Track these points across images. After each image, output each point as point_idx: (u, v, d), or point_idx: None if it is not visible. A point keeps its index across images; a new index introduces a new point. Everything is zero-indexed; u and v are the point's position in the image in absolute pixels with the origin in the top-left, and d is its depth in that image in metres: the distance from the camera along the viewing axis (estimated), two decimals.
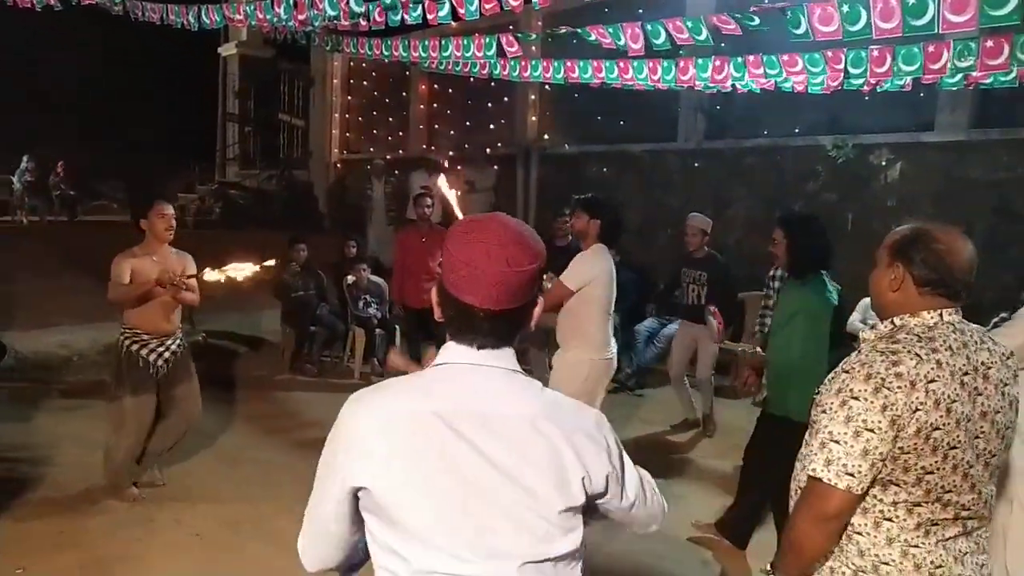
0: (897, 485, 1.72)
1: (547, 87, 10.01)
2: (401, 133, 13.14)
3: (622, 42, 4.68)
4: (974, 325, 1.83)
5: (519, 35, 5.66)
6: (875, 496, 1.73)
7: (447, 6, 4.76)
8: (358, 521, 1.41)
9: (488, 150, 10.92)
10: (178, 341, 4.49)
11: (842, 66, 4.58)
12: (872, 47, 4.26)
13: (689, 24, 4.36)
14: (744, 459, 4.10)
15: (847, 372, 1.74)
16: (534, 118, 10.68)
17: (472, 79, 9.85)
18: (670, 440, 5.89)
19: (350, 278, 7.40)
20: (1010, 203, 6.23)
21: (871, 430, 1.66)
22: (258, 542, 3.96)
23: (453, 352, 1.39)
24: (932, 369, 1.68)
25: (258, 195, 15.06)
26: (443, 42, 5.96)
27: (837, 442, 1.69)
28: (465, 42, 5.67)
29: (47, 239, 11.74)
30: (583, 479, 1.34)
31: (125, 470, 4.37)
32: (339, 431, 1.38)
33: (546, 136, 10.56)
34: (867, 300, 6.21)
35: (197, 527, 4.09)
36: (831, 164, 7.22)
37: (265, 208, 14.48)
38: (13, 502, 4.30)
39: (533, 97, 10.61)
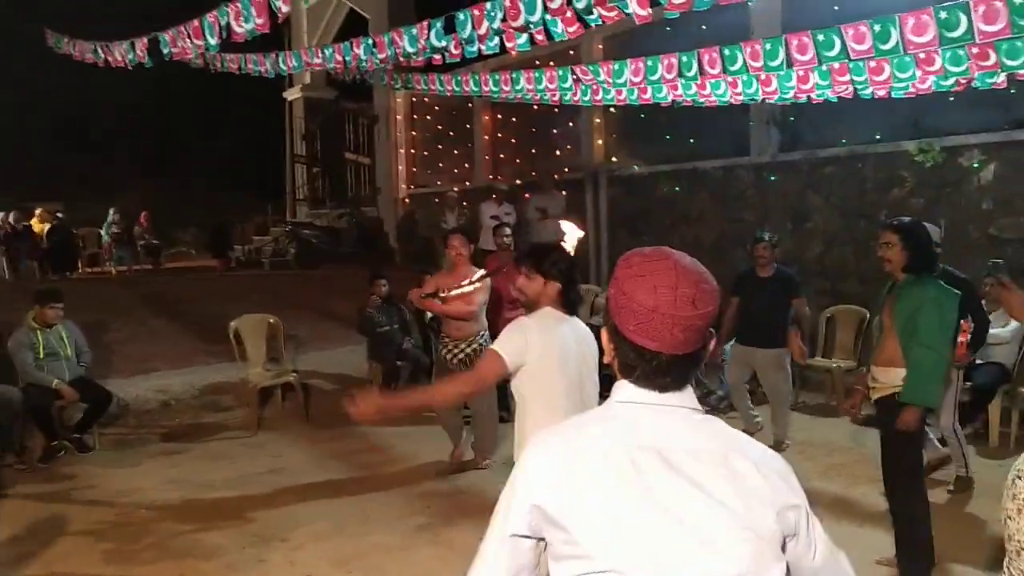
0: None
1: (612, 109, 9.99)
2: (467, 164, 13.28)
3: (691, 73, 4.66)
4: None
5: (590, 67, 5.69)
6: None
7: (525, 36, 4.80)
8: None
9: (556, 176, 10.93)
10: (474, 345, 5.43)
11: (936, 67, 4.44)
12: (971, 46, 4.12)
13: (767, 47, 4.31)
14: (886, 478, 3.88)
15: None
16: (600, 141, 10.67)
17: (536, 107, 9.95)
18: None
19: (429, 314, 7.45)
20: None
21: None
22: None
23: (631, 393, 1.34)
24: None
25: (330, 233, 15.39)
26: (514, 75, 6.02)
27: None
28: (537, 75, 5.71)
29: (135, 288, 12.21)
30: (778, 513, 1.28)
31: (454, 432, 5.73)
32: (523, 469, 1.33)
33: (614, 158, 10.52)
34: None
35: (308, 567, 4.13)
36: (917, 169, 6.98)
37: (337, 246, 14.79)
38: (129, 547, 4.43)
39: (598, 120, 10.60)
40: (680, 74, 4.99)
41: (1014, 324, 5.80)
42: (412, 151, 14.76)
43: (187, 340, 8.74)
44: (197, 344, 8.53)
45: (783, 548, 1.31)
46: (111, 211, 14.79)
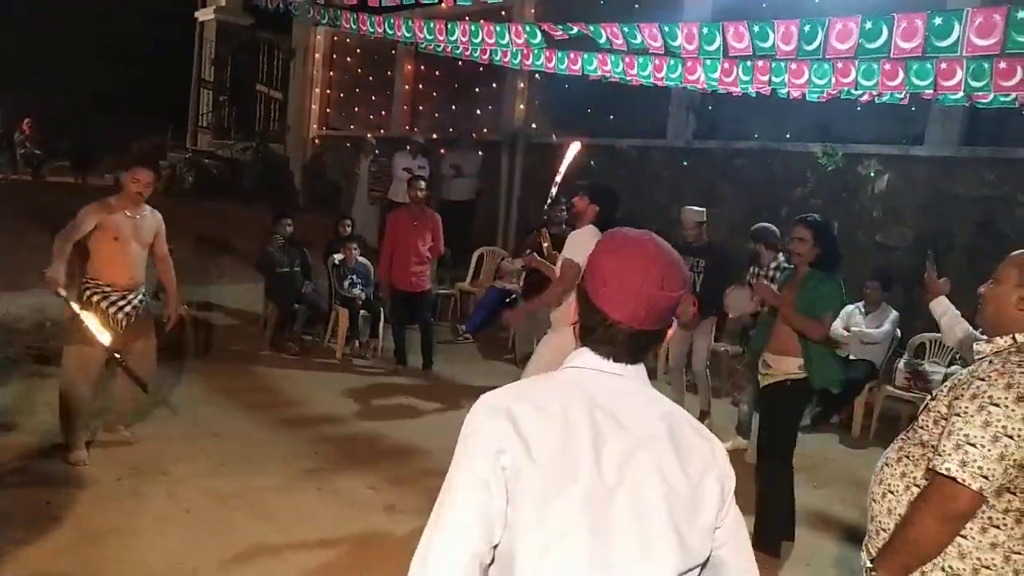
0: (1013, 493, 1.80)
1: (536, 76, 9.98)
2: (384, 112, 13.00)
3: (638, 41, 4.70)
4: None
5: (527, 27, 5.64)
6: (987, 502, 1.81)
7: None
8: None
9: (474, 135, 10.86)
10: (140, 297, 4.51)
11: (850, 78, 4.66)
12: (884, 61, 4.34)
13: (705, 30, 4.39)
14: (760, 456, 4.12)
15: (982, 380, 1.82)
16: (522, 106, 10.65)
17: (460, 63, 9.83)
18: None
19: (337, 257, 7.32)
20: (993, 220, 6.40)
21: (1010, 436, 1.75)
22: (248, 517, 3.95)
23: (588, 358, 1.38)
24: None
25: (232, 166, 14.76)
26: (449, 25, 5.91)
27: (973, 444, 1.76)
28: (473, 28, 5.62)
29: (12, 198, 11.39)
30: (720, 480, 1.34)
31: (79, 424, 4.38)
32: (473, 422, 1.31)
33: (533, 125, 10.54)
34: (850, 308, 6.37)
35: (187, 502, 4.03)
36: (820, 171, 7.33)
37: (239, 180, 14.22)
38: None
39: (522, 85, 10.56)
40: (627, 44, 4.97)
41: (886, 327, 6.23)
42: (328, 91, 14.29)
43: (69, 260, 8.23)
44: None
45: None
46: None
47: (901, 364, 6.19)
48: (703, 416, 5.96)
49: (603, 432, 1.28)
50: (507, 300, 7.94)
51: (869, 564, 2.00)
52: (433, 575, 1.22)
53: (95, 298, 4.33)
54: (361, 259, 7.42)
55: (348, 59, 13.93)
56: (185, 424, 5.13)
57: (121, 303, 4.39)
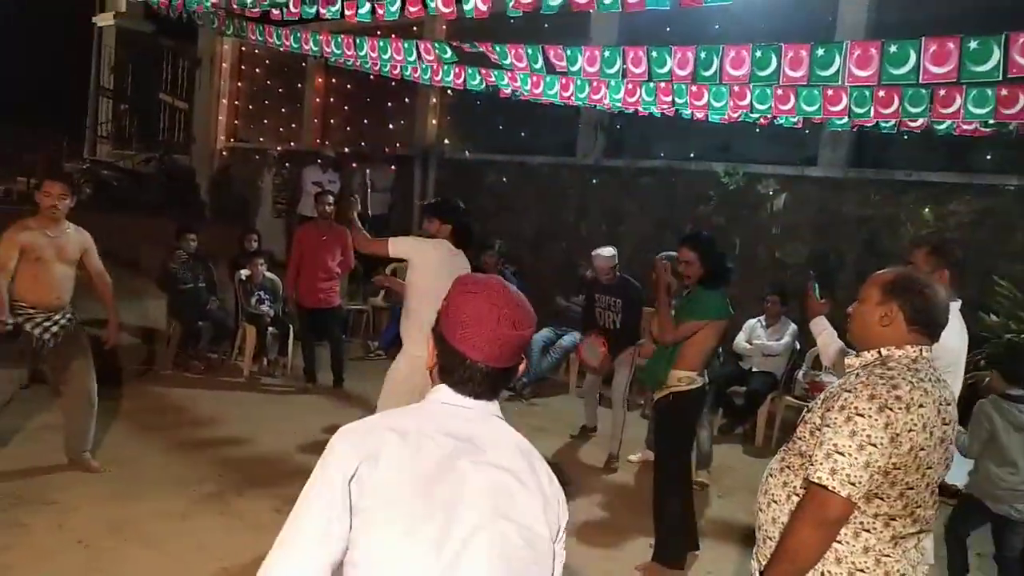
0: (881, 498, 1.91)
1: (449, 92, 10.01)
2: (293, 125, 12.77)
3: (538, 65, 4.80)
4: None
5: (436, 44, 5.66)
6: (858, 508, 1.91)
7: (368, 5, 4.71)
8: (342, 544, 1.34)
9: (386, 149, 10.80)
10: (68, 316, 4.46)
11: (746, 102, 4.87)
12: (777, 87, 4.55)
13: (607, 54, 4.51)
14: (657, 472, 4.18)
15: (849, 391, 1.93)
16: (434, 121, 10.66)
17: (372, 78, 9.77)
18: (574, 450, 6.00)
19: (244, 272, 7.14)
20: (877, 239, 6.78)
21: (874, 444, 1.85)
22: (142, 547, 3.80)
23: (448, 395, 1.46)
24: (921, 395, 1.90)
25: (133, 178, 14.20)
26: (358, 40, 5.87)
27: (842, 454, 1.86)
28: (382, 44, 5.60)
29: None
30: (559, 522, 1.47)
31: None
32: (333, 452, 1.37)
33: (446, 141, 10.56)
34: (751, 322, 6.62)
35: (77, 532, 3.85)
36: (723, 190, 7.60)
37: (141, 192, 13.67)
38: None
39: (434, 100, 10.58)
40: (529, 67, 5.08)
41: (787, 339, 6.51)
42: (236, 103, 13.94)
43: None
44: None
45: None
46: None
47: (800, 375, 6.47)
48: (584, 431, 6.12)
49: (457, 455, 1.37)
50: None
51: (758, 574, 2.09)
52: None
53: (20, 320, 4.26)
54: (269, 274, 7.26)
55: (257, 70, 13.64)
56: None
57: (47, 323, 4.34)
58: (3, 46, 19.37)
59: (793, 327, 6.55)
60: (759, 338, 6.60)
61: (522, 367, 1.52)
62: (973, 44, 3.10)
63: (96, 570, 3.54)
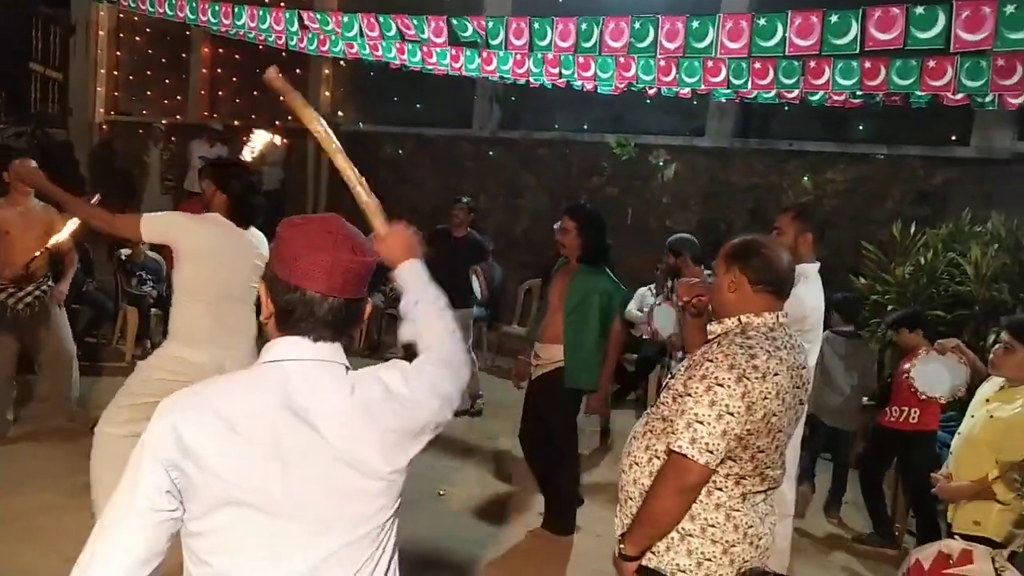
0: (733, 460, 1.99)
1: (342, 63, 9.76)
2: (179, 97, 12.20)
3: (425, 35, 4.73)
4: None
5: (318, 15, 5.49)
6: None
7: None
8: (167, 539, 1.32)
9: (277, 122, 10.44)
10: (43, 287, 4.78)
11: (631, 73, 4.94)
12: (659, 58, 4.63)
13: (490, 24, 4.49)
14: (526, 444, 4.25)
15: (711, 361, 1.99)
16: (327, 93, 10.38)
17: (261, 48, 9.43)
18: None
19: (125, 252, 6.80)
20: (762, 206, 7.04)
21: (731, 413, 1.92)
22: (23, 545, 3.62)
23: (284, 348, 1.36)
24: (776, 364, 1.98)
25: (3, 153, 13.28)
26: (236, 9, 5.64)
27: (701, 423, 1.93)
28: (262, 13, 5.40)
29: None
30: (405, 452, 1.41)
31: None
32: (154, 433, 1.28)
33: (340, 112, 10.31)
34: (643, 290, 6.78)
35: None
36: (615, 161, 7.72)
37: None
38: None
39: (327, 71, 10.29)
40: (409, 39, 5.01)
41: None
42: (116, 73, 13.18)
43: None
44: None
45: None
46: None
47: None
48: (473, 401, 6.10)
49: (287, 435, 1.29)
50: None
51: (619, 535, 2.15)
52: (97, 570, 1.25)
53: None
54: (151, 253, 6.94)
55: (137, 38, 12.92)
56: None
57: (20, 294, 4.67)
58: None
59: (650, 293, 6.73)
60: (649, 306, 6.75)
61: (368, 307, 1.43)
62: (834, 18, 3.23)
63: None
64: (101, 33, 12.97)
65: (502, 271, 7.77)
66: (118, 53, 13.13)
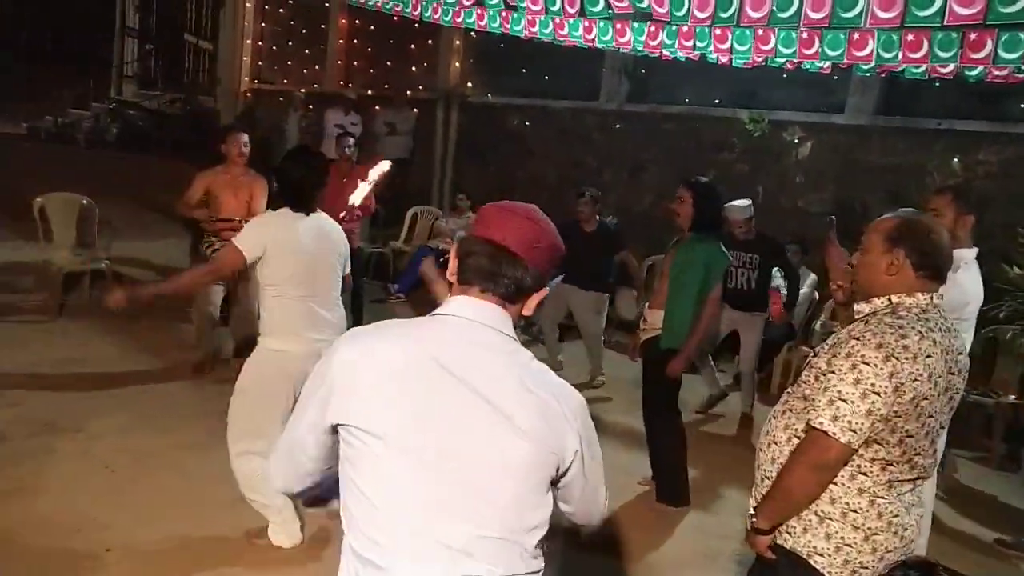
0: (880, 444, 1.92)
1: (472, 34, 9.89)
2: (317, 67, 12.69)
3: (556, 7, 4.72)
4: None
5: None
6: (856, 452, 1.93)
7: None
8: (330, 457, 1.46)
9: (408, 92, 10.72)
10: None
11: (770, 46, 4.77)
12: (802, 30, 4.45)
13: None
14: (645, 410, 4.22)
15: (856, 339, 1.92)
16: (457, 64, 10.54)
17: (395, 19, 9.68)
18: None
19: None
20: (903, 188, 6.65)
21: (877, 393, 1.85)
22: (165, 474, 3.93)
23: (458, 306, 1.43)
24: (929, 345, 1.89)
25: (159, 118, 14.27)
26: None
27: (845, 400, 1.87)
28: None
29: None
30: (558, 453, 1.40)
31: (204, 339, 5.47)
32: (329, 364, 1.41)
33: (469, 84, 10.46)
34: (814, 277, 6.54)
35: (102, 459, 4.00)
36: (746, 137, 7.49)
37: (166, 133, 13.75)
38: None
39: (457, 43, 10.44)
40: (545, 9, 5.01)
41: (804, 289, 6.46)
42: (260, 43, 13.86)
43: None
44: None
45: (557, 474, 1.43)
46: None
47: (818, 325, 6.44)
48: (593, 379, 6.06)
49: (436, 381, 1.35)
50: (440, 260, 7.94)
51: (751, 511, 2.13)
52: (274, 473, 1.55)
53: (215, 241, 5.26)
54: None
55: (280, 10, 13.52)
56: (103, 380, 5.04)
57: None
58: None
59: (812, 277, 6.50)
60: (778, 287, 6.55)
61: (535, 299, 1.47)
62: None
63: (122, 493, 3.68)
64: (248, 5, 13.63)
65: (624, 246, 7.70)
66: (263, 24, 13.79)
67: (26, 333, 5.86)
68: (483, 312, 1.42)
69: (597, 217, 6.07)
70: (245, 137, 5.39)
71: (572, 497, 1.50)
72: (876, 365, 1.86)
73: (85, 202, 6.79)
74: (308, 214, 3.27)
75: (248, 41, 13.77)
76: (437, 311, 1.46)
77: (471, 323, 1.41)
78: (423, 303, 8.01)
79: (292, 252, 3.18)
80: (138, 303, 3.38)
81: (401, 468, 1.34)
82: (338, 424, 1.38)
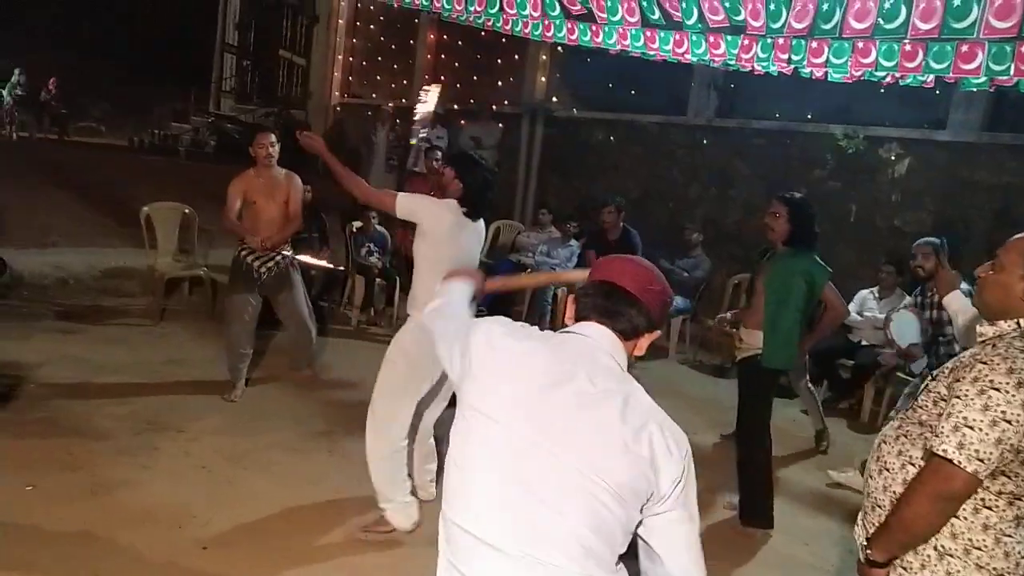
0: (1007, 476, 1.81)
1: (559, 49, 9.92)
2: (405, 81, 12.98)
3: (656, 16, 4.66)
4: None
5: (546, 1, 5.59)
6: (981, 484, 1.81)
7: None
8: None
9: (494, 107, 10.84)
10: (282, 255, 5.18)
11: (870, 59, 4.61)
12: (904, 42, 4.28)
13: (727, 4, 4.35)
14: (739, 430, 4.14)
15: (984, 363, 1.80)
16: (543, 78, 10.59)
17: (483, 33, 9.81)
18: None
19: (356, 224, 7.38)
20: (1012, 208, 6.35)
21: (1009, 421, 1.74)
22: (259, 476, 4.05)
23: (580, 327, 1.59)
24: None
25: (253, 131, 14.81)
26: None
27: (971, 427, 1.76)
28: None
29: (37, 155, 11.51)
30: (655, 472, 1.46)
31: (234, 359, 5.12)
32: (468, 343, 1.61)
33: (554, 99, 10.50)
34: (864, 292, 6.35)
35: (200, 458, 4.15)
36: (840, 153, 7.27)
37: None
38: (16, 418, 4.33)
39: (544, 57, 10.50)
40: (644, 20, 4.94)
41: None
42: (350, 59, 14.28)
43: (91, 219, 8.39)
44: (102, 225, 8.21)
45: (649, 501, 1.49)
46: (16, 71, 13.83)
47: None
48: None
49: (561, 375, 1.49)
50: (520, 272, 7.96)
51: (864, 542, 2.02)
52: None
53: (246, 256, 5.10)
54: (379, 227, 7.48)
55: (371, 27, 13.90)
56: (201, 383, 5.24)
57: (264, 258, 5.09)
58: (139, 6, 20.43)
59: (908, 300, 6.24)
60: (871, 310, 6.32)
61: (646, 340, 1.60)
62: None
63: (219, 492, 3.81)
64: (340, 22, 14.07)
65: (710, 263, 7.59)
66: (353, 40, 14.20)
67: (132, 335, 6.16)
68: (602, 335, 1.55)
69: (621, 224, 6.47)
70: (272, 137, 5.25)
71: (675, 546, 1.55)
72: (1008, 391, 1.74)
73: (187, 211, 7.11)
74: (474, 220, 3.55)
75: (339, 56, 14.20)
76: (563, 329, 1.61)
77: (591, 343, 1.54)
78: (504, 315, 8.10)
79: (448, 237, 3.44)
80: (322, 156, 3.77)
81: (502, 449, 1.47)
82: (464, 392, 1.55)
